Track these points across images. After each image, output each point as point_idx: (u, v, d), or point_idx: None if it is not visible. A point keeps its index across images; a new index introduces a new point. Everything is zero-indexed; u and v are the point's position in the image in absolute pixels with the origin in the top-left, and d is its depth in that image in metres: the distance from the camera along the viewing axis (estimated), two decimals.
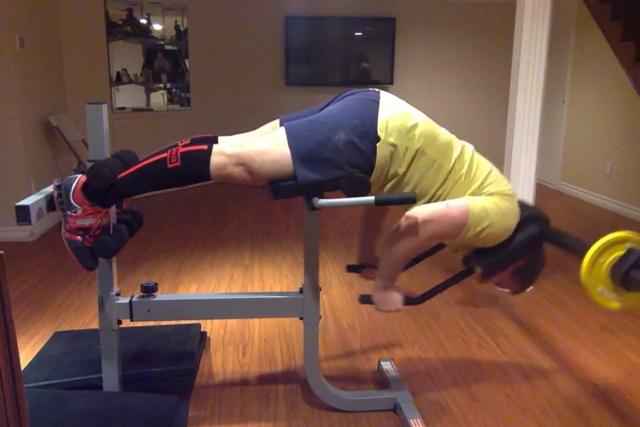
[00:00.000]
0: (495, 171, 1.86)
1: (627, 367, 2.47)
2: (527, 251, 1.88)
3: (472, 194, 1.78)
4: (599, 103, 5.44)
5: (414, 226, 1.71)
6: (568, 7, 5.78)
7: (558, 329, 2.83)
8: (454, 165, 1.78)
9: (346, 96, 1.82)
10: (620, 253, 1.53)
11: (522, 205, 1.91)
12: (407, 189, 1.79)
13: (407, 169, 1.76)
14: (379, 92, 1.81)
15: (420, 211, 1.72)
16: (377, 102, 1.76)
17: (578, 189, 5.83)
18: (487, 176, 1.81)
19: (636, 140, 4.93)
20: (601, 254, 1.53)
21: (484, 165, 1.85)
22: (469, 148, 1.87)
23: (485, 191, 1.79)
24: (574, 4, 5.69)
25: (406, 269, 2.02)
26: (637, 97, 4.65)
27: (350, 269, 2.21)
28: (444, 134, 1.82)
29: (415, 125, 1.74)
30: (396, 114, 1.74)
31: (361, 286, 3.38)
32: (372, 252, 2.20)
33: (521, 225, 1.84)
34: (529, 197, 3.25)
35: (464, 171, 1.79)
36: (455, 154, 1.79)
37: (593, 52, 5.50)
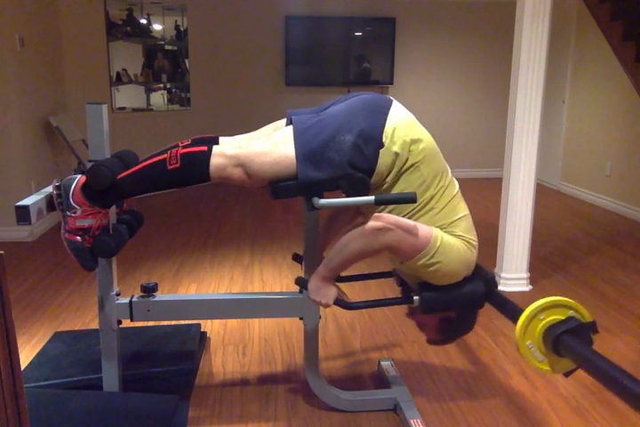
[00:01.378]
0: (469, 218, 1.85)
1: (627, 367, 2.46)
2: (468, 304, 1.86)
3: (440, 228, 1.76)
4: (599, 103, 5.44)
5: (378, 229, 1.67)
6: (568, 7, 5.78)
7: None
8: (438, 192, 1.76)
9: (358, 97, 1.80)
10: (559, 317, 1.53)
11: (478, 265, 1.90)
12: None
13: (397, 179, 1.74)
14: (392, 100, 1.80)
15: (389, 218, 1.69)
16: (387, 109, 1.74)
17: (578, 189, 5.83)
18: (462, 218, 1.80)
19: (636, 140, 4.93)
20: (543, 311, 1.53)
21: (463, 207, 1.84)
22: (457, 185, 1.86)
23: (453, 231, 1.77)
24: (574, 3, 5.69)
25: (343, 282, 2.00)
26: (637, 97, 4.65)
27: (295, 258, 2.13)
28: (442, 161, 1.81)
29: (419, 140, 1.73)
30: (403, 124, 1.73)
31: (361, 285, 3.38)
32: (323, 248, 2.13)
33: (473, 278, 1.84)
34: (529, 197, 3.25)
35: (444, 203, 1.77)
36: (443, 183, 1.77)
37: (593, 52, 5.50)
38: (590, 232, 4.55)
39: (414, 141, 1.72)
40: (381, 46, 6.59)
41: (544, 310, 1.54)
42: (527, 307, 1.54)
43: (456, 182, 1.86)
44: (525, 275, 3.35)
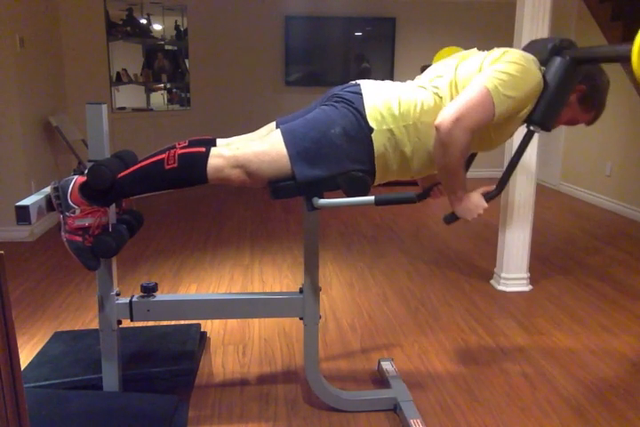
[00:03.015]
0: (479, 55, 1.83)
1: (627, 367, 2.47)
2: (568, 80, 1.77)
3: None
4: None
5: (448, 130, 1.65)
6: (568, 7, 5.78)
7: (558, 329, 2.83)
8: (448, 85, 1.76)
9: (333, 95, 1.82)
10: None
11: (535, 45, 1.83)
12: (424, 158, 1.77)
13: (413, 145, 1.75)
14: (359, 84, 1.81)
15: (444, 115, 1.67)
16: (360, 94, 1.76)
17: (578, 189, 5.83)
18: (475, 67, 1.77)
19: (636, 140, 4.93)
20: None
21: (467, 69, 1.79)
22: (446, 75, 1.82)
23: (494, 65, 1.74)
24: (574, 3, 5.69)
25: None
26: (637, 97, 4.65)
27: (419, 197, 2.03)
28: (424, 97, 1.77)
29: (399, 104, 1.74)
30: (380, 101, 1.74)
31: (361, 286, 3.39)
32: (430, 177, 2.10)
33: (547, 63, 1.77)
34: (529, 197, 3.25)
35: (453, 76, 1.76)
36: (442, 96, 1.76)
37: None
38: (590, 232, 4.55)
39: (397, 109, 1.73)
40: (381, 46, 6.60)
41: None
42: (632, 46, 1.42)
43: (439, 66, 1.86)
44: (525, 275, 3.35)
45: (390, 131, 1.73)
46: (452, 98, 1.75)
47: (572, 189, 5.93)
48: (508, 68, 1.70)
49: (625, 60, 1.49)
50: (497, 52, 1.82)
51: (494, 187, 1.85)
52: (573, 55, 1.76)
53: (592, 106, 1.89)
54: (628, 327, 2.85)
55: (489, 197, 1.83)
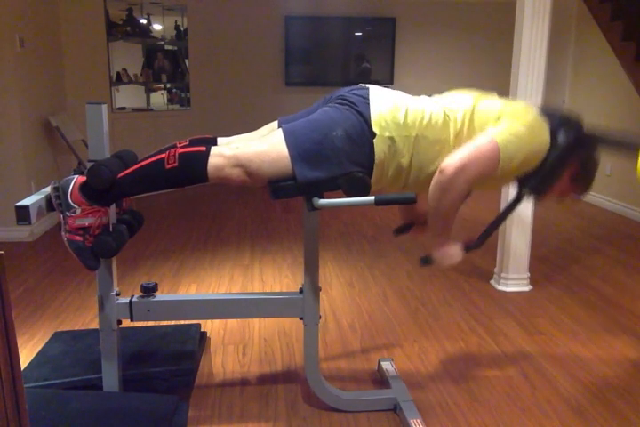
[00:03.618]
0: (496, 102, 1.81)
1: (627, 367, 2.47)
2: (570, 157, 1.81)
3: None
4: (599, 103, 5.44)
5: (451, 177, 1.68)
6: (568, 7, 5.78)
7: (558, 329, 2.83)
8: (455, 132, 1.76)
9: (338, 96, 1.82)
10: None
11: (546, 112, 1.85)
12: (422, 175, 1.77)
13: (412, 157, 1.75)
14: (368, 88, 1.82)
15: (451, 162, 1.68)
16: (367, 99, 1.76)
17: None
18: (494, 111, 1.77)
19: None
20: None
21: (481, 109, 1.79)
22: (457, 96, 1.83)
23: (504, 119, 1.75)
24: (574, 3, 5.69)
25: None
26: (637, 97, 4.65)
27: (397, 231, 2.14)
28: (432, 111, 1.78)
29: (406, 114, 1.74)
30: (386, 108, 1.75)
31: (361, 286, 3.39)
32: (412, 209, 2.15)
33: (554, 134, 1.79)
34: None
35: (466, 130, 1.76)
36: (451, 123, 1.76)
37: (593, 52, 5.50)
38: (590, 232, 4.55)
39: (402, 118, 1.73)
40: (381, 46, 6.59)
41: None
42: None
43: (455, 95, 1.84)
44: (526, 275, 3.35)
45: (392, 139, 1.73)
46: (461, 126, 1.76)
47: None
48: (523, 130, 1.73)
49: (633, 153, 1.50)
50: (519, 104, 1.83)
51: (476, 239, 1.88)
52: (577, 133, 1.80)
53: (582, 183, 1.94)
54: (628, 327, 2.85)
55: (468, 249, 1.86)
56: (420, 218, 2.10)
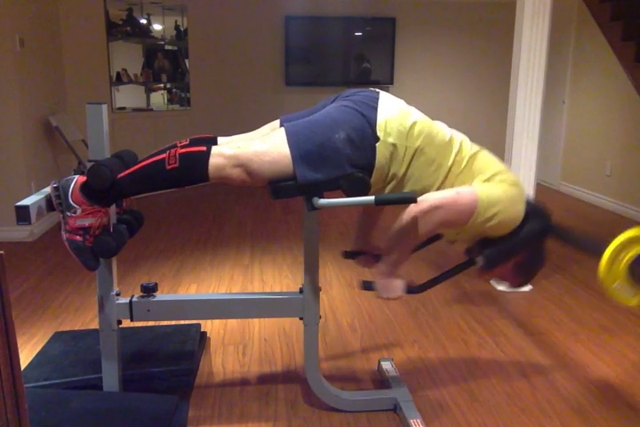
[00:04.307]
0: (497, 161, 1.86)
1: (627, 367, 2.47)
2: (532, 243, 1.86)
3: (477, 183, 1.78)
4: (599, 103, 5.44)
5: (424, 212, 1.69)
6: (568, 7, 5.78)
7: (558, 329, 2.83)
8: (454, 161, 1.78)
9: (345, 97, 1.83)
10: (638, 250, 1.52)
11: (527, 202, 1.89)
12: (408, 189, 1.79)
13: (407, 169, 1.76)
14: (378, 92, 1.82)
15: (430, 197, 1.71)
16: (376, 103, 1.76)
17: (578, 188, 5.83)
18: (490, 167, 1.81)
19: (636, 140, 4.93)
20: (620, 251, 1.52)
21: (484, 157, 1.84)
22: (468, 142, 1.87)
23: (491, 179, 1.78)
24: (574, 3, 5.69)
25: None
26: (637, 97, 4.65)
27: (346, 255, 2.17)
28: (442, 132, 1.81)
29: (414, 124, 1.75)
30: (394, 114, 1.75)
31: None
32: (368, 239, 2.18)
33: (526, 217, 1.83)
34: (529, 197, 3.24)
35: (464, 165, 1.79)
36: (454, 150, 1.79)
37: (593, 52, 5.50)
38: (590, 232, 4.55)
39: (409, 128, 1.74)
40: (381, 46, 6.60)
41: (621, 251, 1.52)
42: (606, 250, 1.51)
43: (464, 139, 1.86)
44: None
45: (394, 146, 1.73)
46: (460, 158, 1.78)
47: (572, 188, 5.93)
48: (505, 197, 1.75)
49: (595, 257, 1.56)
50: (514, 176, 1.86)
51: (414, 284, 1.90)
52: (548, 223, 1.86)
53: (522, 273, 1.96)
54: (628, 327, 2.85)
55: (409, 290, 1.87)
56: (373, 250, 2.11)
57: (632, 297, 1.55)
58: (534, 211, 1.87)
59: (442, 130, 1.82)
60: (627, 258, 1.52)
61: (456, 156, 1.79)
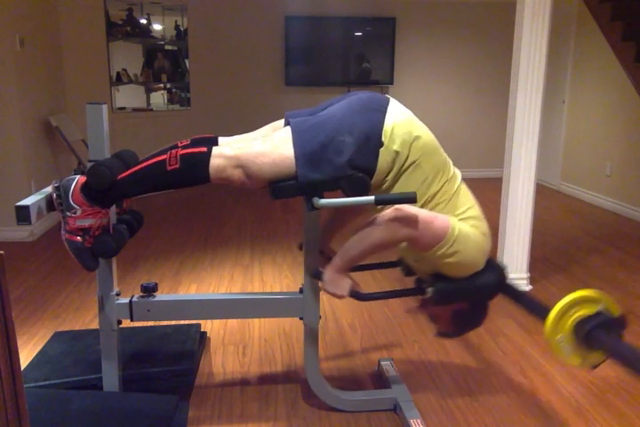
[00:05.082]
0: (477, 206, 1.86)
1: None
2: (483, 294, 1.86)
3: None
4: (599, 103, 5.44)
5: (399, 219, 1.67)
6: (568, 7, 5.78)
7: None
8: (442, 187, 1.76)
9: (355, 99, 1.80)
10: (589, 311, 1.54)
11: (489, 257, 1.90)
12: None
13: (400, 178, 1.74)
14: (389, 98, 1.81)
15: (411, 208, 1.69)
16: (385, 107, 1.75)
17: (578, 189, 5.83)
18: (470, 208, 1.81)
19: (636, 140, 4.93)
20: (572, 307, 1.54)
21: (468, 197, 1.84)
22: (459, 175, 1.86)
23: (465, 221, 1.77)
24: (574, 3, 5.69)
25: (352, 271, 1.98)
26: (637, 97, 4.65)
27: (302, 247, 2.13)
28: (443, 156, 1.81)
29: (419, 137, 1.73)
30: (402, 122, 1.73)
31: (361, 285, 3.38)
32: (328, 241, 2.17)
33: (485, 269, 1.83)
34: (529, 197, 3.25)
35: (449, 195, 1.77)
36: (446, 177, 1.78)
37: (593, 52, 5.50)
38: (590, 232, 4.55)
39: (414, 139, 1.73)
40: (381, 46, 6.59)
41: (574, 306, 1.53)
42: (556, 304, 1.53)
43: (459, 173, 1.86)
44: (526, 275, 3.35)
45: (397, 153, 1.71)
46: (449, 186, 1.78)
47: (573, 189, 5.93)
48: (474, 241, 1.74)
49: (540, 319, 1.59)
50: (484, 223, 1.85)
51: (362, 291, 1.89)
52: (504, 281, 1.86)
53: (458, 323, 1.94)
54: (629, 327, 2.85)
55: (353, 293, 1.85)
56: (328, 252, 2.09)
57: (572, 355, 1.56)
58: (493, 266, 1.87)
59: (444, 154, 1.82)
60: (575, 316, 1.54)
61: (446, 182, 1.77)
